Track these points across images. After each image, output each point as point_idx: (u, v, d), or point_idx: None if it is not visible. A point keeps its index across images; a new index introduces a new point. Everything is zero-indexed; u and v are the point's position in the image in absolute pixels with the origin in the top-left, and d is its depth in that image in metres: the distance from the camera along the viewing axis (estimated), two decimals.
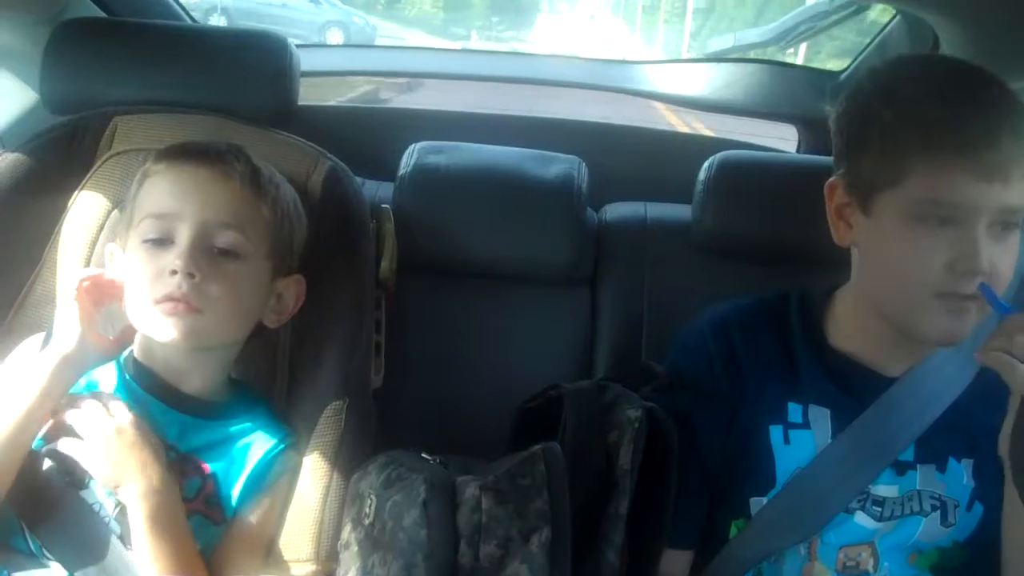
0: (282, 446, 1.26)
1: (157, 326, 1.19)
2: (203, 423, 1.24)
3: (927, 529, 1.24)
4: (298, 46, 1.58)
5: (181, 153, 1.25)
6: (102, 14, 1.75)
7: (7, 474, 1.13)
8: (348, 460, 1.28)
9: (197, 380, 1.25)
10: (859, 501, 1.23)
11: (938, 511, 1.24)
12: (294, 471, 1.27)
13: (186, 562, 1.15)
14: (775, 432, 1.25)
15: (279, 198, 1.28)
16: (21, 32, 1.64)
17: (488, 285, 1.66)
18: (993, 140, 1.09)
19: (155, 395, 1.23)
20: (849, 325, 1.28)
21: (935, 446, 1.24)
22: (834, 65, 2.23)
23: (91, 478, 1.17)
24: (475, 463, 1.22)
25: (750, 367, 1.28)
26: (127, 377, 1.24)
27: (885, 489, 1.23)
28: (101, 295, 1.22)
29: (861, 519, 1.23)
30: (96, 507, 1.17)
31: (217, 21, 13.27)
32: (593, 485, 1.16)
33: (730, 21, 23.34)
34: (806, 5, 2.31)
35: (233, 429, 1.25)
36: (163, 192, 1.22)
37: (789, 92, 2.07)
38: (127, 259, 1.23)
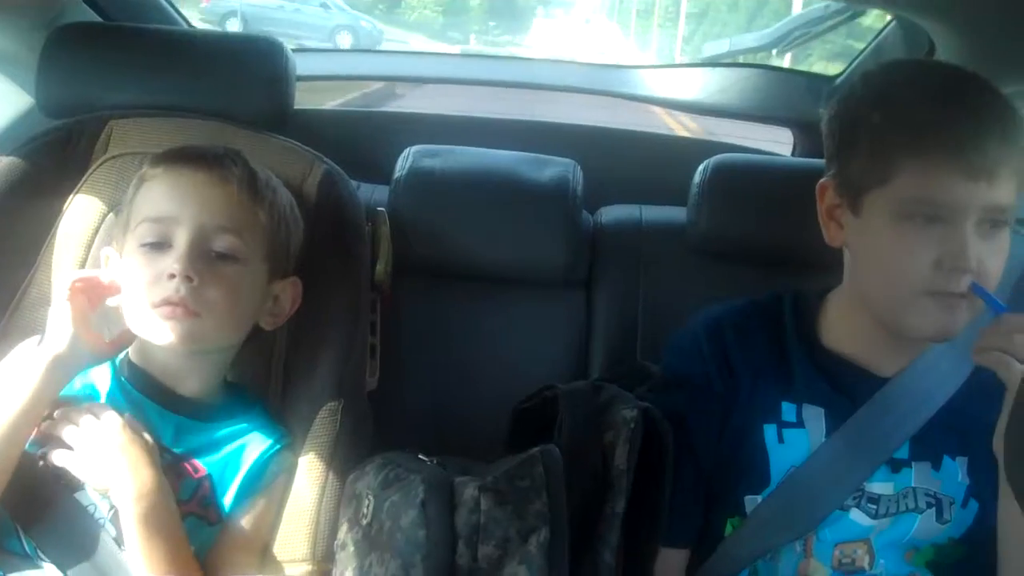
0: (278, 447, 1.26)
1: (155, 330, 1.19)
2: (198, 425, 1.24)
3: (923, 526, 1.24)
4: (294, 50, 1.58)
5: (178, 157, 1.26)
6: (98, 19, 1.75)
7: (1, 475, 1.12)
8: (344, 461, 1.28)
9: (193, 382, 1.25)
10: (854, 498, 1.23)
11: (933, 508, 1.24)
12: (290, 472, 1.27)
13: (180, 563, 1.15)
14: (769, 431, 1.25)
15: (276, 202, 1.29)
16: (16, 36, 1.64)
17: (483, 288, 1.66)
18: (981, 140, 1.10)
19: (150, 397, 1.23)
20: (842, 326, 1.29)
21: (930, 444, 1.24)
22: (820, 68, 2.24)
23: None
24: (473, 464, 1.22)
25: (744, 367, 1.28)
26: (122, 379, 1.24)
27: (880, 486, 1.24)
28: (96, 296, 1.22)
29: (856, 516, 1.24)
30: (91, 509, 1.17)
31: (233, 26, 13.40)
32: (589, 485, 1.16)
33: (723, 26, 23.44)
34: (802, 11, 2.31)
35: (228, 431, 1.25)
36: (160, 196, 1.23)
37: (785, 96, 2.08)
38: (124, 263, 1.23)
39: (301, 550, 1.25)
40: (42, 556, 1.15)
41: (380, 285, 1.51)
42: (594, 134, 2.18)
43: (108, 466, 1.14)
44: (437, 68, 2.57)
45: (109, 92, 1.50)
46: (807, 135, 2.04)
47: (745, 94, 2.10)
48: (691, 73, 2.23)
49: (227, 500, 1.23)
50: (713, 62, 2.36)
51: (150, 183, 1.24)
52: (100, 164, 1.45)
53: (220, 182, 1.23)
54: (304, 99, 1.73)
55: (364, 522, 1.15)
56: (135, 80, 1.51)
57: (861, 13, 2.16)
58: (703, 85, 2.15)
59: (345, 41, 16.72)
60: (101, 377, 1.24)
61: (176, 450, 1.22)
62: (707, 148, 1.84)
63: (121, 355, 1.26)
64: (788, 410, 1.26)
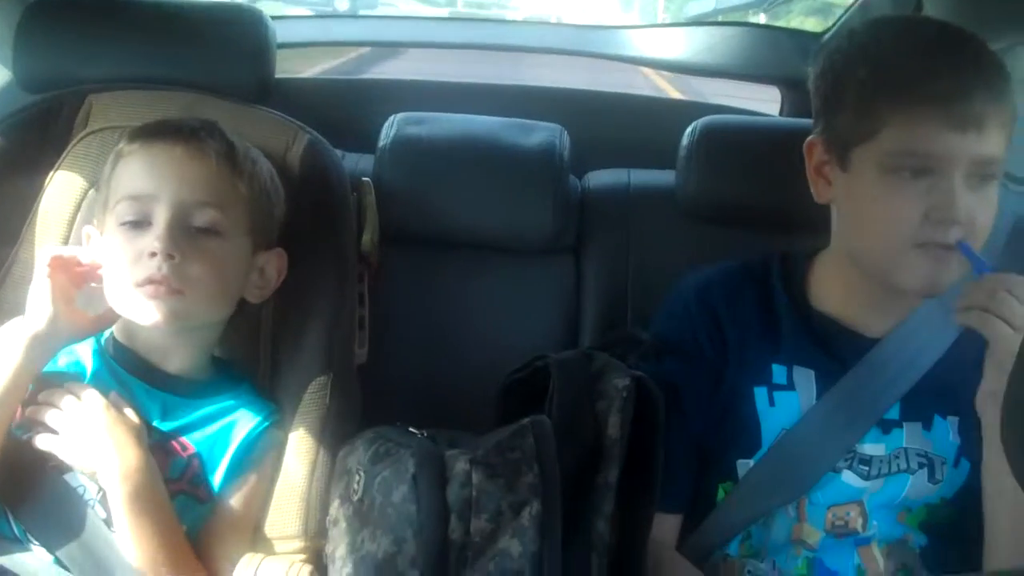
0: (267, 423, 1.26)
1: (139, 309, 1.17)
2: (186, 402, 1.23)
3: (915, 486, 1.24)
4: (274, 18, 1.55)
5: (154, 132, 1.24)
6: None
7: None
8: (334, 435, 1.27)
9: (180, 359, 1.24)
10: (846, 460, 1.24)
11: (925, 468, 1.24)
12: (279, 448, 1.27)
13: (170, 542, 1.14)
14: (760, 394, 1.25)
15: (256, 173, 1.27)
16: None
17: (471, 255, 1.65)
18: (967, 91, 1.10)
19: (137, 375, 1.22)
20: (831, 286, 1.28)
21: (920, 404, 1.25)
22: (798, 23, 2.22)
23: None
24: (462, 436, 1.21)
25: (732, 330, 1.28)
26: (107, 357, 1.23)
27: (871, 448, 1.24)
28: (79, 277, 1.21)
29: (848, 478, 1.24)
30: (80, 490, 1.17)
31: None
32: (581, 455, 1.16)
33: None
34: None
35: (217, 407, 1.24)
36: (137, 173, 1.21)
37: (771, 54, 2.06)
38: (105, 242, 1.22)
39: (293, 526, 1.24)
40: (31, 538, 1.15)
41: (367, 256, 1.50)
42: (580, 98, 2.16)
43: (93, 447, 1.14)
44: (420, 33, 2.54)
45: (88, 65, 1.48)
46: (795, 92, 2.02)
47: (732, 52, 2.08)
48: (677, 32, 2.21)
49: (217, 478, 1.22)
50: (699, 21, 2.33)
51: (127, 160, 1.22)
52: (80, 139, 1.43)
53: (198, 156, 1.21)
54: (295, 66, 1.71)
55: (355, 498, 1.14)
56: (114, 52, 1.49)
57: None
58: (690, 44, 2.13)
59: (344, 3, 16.57)
60: (87, 353, 1.23)
61: (164, 428, 1.21)
62: (695, 110, 1.83)
63: (106, 333, 1.25)
64: (779, 372, 1.26)
